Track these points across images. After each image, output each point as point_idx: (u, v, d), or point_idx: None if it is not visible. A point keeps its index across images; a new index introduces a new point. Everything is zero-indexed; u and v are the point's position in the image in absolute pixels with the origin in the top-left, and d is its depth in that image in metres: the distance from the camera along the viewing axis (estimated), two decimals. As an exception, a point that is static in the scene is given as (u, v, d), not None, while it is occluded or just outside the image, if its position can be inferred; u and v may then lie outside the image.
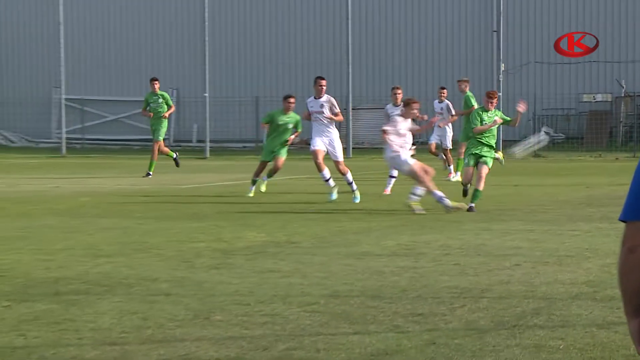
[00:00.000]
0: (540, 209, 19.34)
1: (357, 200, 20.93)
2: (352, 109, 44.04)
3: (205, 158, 41.43)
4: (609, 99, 45.32)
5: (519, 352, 8.29)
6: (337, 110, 21.84)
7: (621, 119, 44.55)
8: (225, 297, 10.63)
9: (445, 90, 29.11)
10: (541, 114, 44.02)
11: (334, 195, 21.16)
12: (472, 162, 19.68)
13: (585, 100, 45.56)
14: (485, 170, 19.42)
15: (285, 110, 22.51)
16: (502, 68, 43.75)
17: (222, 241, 15.08)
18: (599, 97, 45.45)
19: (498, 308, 10.04)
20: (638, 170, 4.28)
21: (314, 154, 21.57)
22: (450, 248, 14.24)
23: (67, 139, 46.01)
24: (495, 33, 45.12)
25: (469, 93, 28.22)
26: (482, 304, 10.26)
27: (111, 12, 50.91)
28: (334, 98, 22.37)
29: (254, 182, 22.57)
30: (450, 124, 28.75)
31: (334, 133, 21.91)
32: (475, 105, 27.79)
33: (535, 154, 38.95)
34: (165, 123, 29.65)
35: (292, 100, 22.60)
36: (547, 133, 44.62)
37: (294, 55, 48.76)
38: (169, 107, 29.68)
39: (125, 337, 8.84)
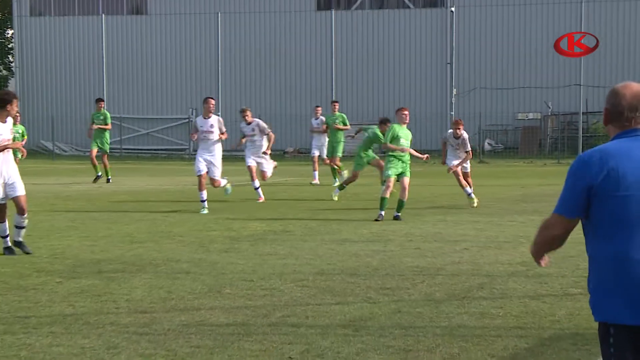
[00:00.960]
0: (485, 204, 19.32)
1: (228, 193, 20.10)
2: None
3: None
4: (539, 117, 45.36)
5: (467, 318, 8.28)
6: (224, 129, 18.66)
7: (548, 133, 44.59)
8: (233, 274, 10.60)
9: (319, 108, 27.15)
10: (485, 128, 44.04)
11: (205, 211, 18.03)
12: (392, 174, 16.82)
13: (519, 118, 45.60)
14: (407, 181, 16.86)
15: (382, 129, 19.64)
16: (454, 92, 43.76)
17: (231, 230, 15.04)
18: (530, 116, 45.50)
19: (450, 283, 10.02)
20: (568, 175, 4.27)
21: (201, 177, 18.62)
22: (413, 235, 14.22)
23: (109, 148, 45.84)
24: (449, 65, 45.13)
25: (340, 113, 26.50)
26: (437, 280, 10.24)
27: (144, 49, 50.75)
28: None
29: (341, 187, 20.85)
30: (327, 137, 26.29)
31: (217, 152, 18.61)
32: (348, 126, 26.08)
33: (481, 161, 38.92)
34: (107, 137, 27.62)
35: (389, 123, 19.03)
36: (489, 144, 44.71)
37: (290, 82, 48.67)
38: (106, 124, 27.40)
39: (153, 307, 8.80)
